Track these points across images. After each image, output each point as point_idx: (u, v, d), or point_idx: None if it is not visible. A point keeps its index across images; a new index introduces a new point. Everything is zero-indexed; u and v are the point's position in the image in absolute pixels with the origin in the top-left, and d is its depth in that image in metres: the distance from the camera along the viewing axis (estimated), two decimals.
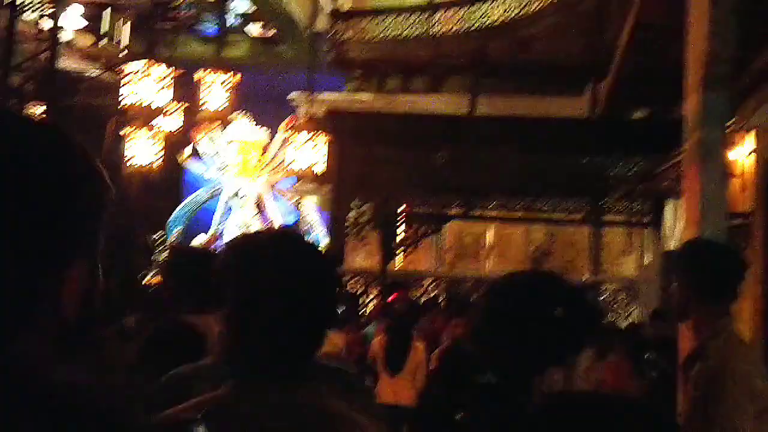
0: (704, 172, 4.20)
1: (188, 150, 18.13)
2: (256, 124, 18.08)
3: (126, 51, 9.86)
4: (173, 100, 7.21)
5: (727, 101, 4.09)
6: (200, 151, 18.80)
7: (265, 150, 18.55)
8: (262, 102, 16.90)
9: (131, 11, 13.58)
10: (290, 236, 1.56)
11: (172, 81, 5.45)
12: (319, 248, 1.59)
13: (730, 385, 2.42)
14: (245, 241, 1.56)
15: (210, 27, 16.05)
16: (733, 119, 6.11)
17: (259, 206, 19.83)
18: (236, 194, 19.17)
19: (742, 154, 7.25)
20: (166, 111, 5.63)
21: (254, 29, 18.32)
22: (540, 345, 1.50)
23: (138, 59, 6.05)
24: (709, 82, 4.05)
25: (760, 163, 6.70)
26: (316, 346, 1.46)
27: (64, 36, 12.30)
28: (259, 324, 1.39)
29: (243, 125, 18.25)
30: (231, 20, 17.86)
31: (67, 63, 10.84)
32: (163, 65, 5.36)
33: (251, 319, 1.40)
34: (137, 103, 5.26)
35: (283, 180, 17.89)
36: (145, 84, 5.18)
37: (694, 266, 2.70)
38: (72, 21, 13.21)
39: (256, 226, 19.70)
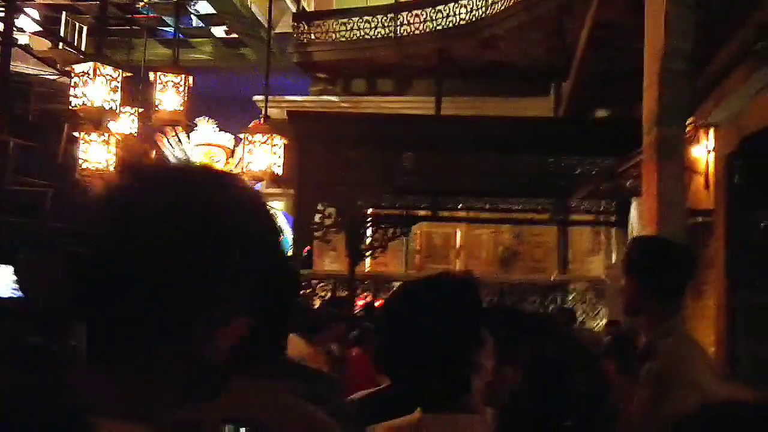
0: (663, 170, 4.16)
1: (154, 154, 17.88)
2: (221, 128, 17.88)
3: (82, 56, 9.60)
4: (129, 102, 7.04)
5: (685, 97, 4.05)
6: (166, 156, 18.57)
7: (231, 154, 18.34)
8: (227, 105, 16.71)
9: (89, 15, 13.35)
10: None
11: (121, 83, 5.29)
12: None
13: (680, 386, 2.35)
14: None
15: (172, 30, 15.81)
16: (693, 117, 6.11)
17: None
18: None
19: (703, 152, 7.26)
20: (117, 113, 5.48)
21: (218, 32, 18.13)
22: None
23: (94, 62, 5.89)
24: (666, 77, 4.01)
25: (721, 161, 6.71)
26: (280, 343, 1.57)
27: (21, 40, 12.03)
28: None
29: (208, 129, 18.04)
30: (194, 23, 17.65)
31: (22, 67, 10.60)
32: (110, 67, 5.19)
33: None
34: (87, 105, 5.10)
35: (252, 185, 17.73)
36: (94, 86, 5.04)
37: (640, 264, 2.62)
38: (28, 25, 12.95)
39: None
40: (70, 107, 5.16)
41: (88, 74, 5.01)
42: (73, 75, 5.12)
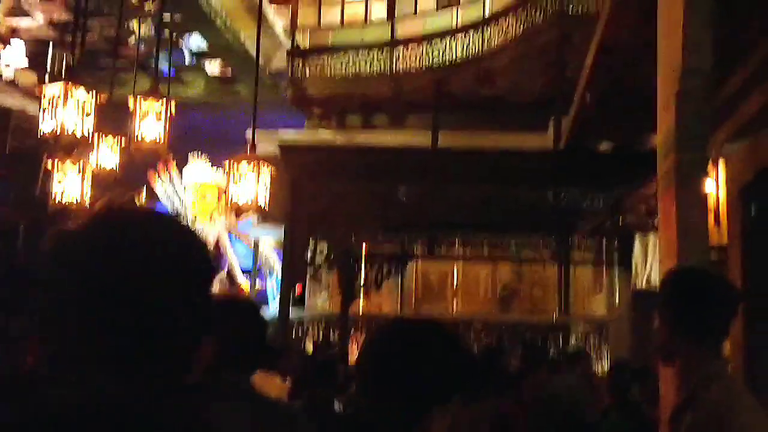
0: (682, 198, 3.79)
1: (144, 192, 17.61)
2: (212, 165, 17.61)
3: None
4: (109, 132, 6.66)
5: (705, 117, 3.70)
6: (157, 193, 18.25)
7: (223, 192, 18.05)
8: (221, 143, 16.45)
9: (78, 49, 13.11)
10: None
11: (95, 107, 4.93)
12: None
13: None
14: None
15: (164, 65, 15.59)
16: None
17: (218, 249, 19.23)
18: None
19: (712, 186, 6.93)
20: (91, 141, 5.11)
21: (210, 68, 17.93)
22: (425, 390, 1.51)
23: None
24: (685, 96, 3.67)
25: (734, 195, 6.37)
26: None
27: (6, 73, 11.77)
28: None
29: (199, 166, 17.80)
30: (187, 59, 17.46)
31: (8, 101, 10.31)
32: (82, 88, 4.84)
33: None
34: (56, 130, 4.73)
35: (242, 222, 17.38)
36: (65, 110, 4.68)
37: (678, 299, 2.26)
38: (14, 59, 12.72)
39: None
40: (39, 133, 4.80)
41: (59, 98, 4.65)
42: (42, 98, 4.77)
